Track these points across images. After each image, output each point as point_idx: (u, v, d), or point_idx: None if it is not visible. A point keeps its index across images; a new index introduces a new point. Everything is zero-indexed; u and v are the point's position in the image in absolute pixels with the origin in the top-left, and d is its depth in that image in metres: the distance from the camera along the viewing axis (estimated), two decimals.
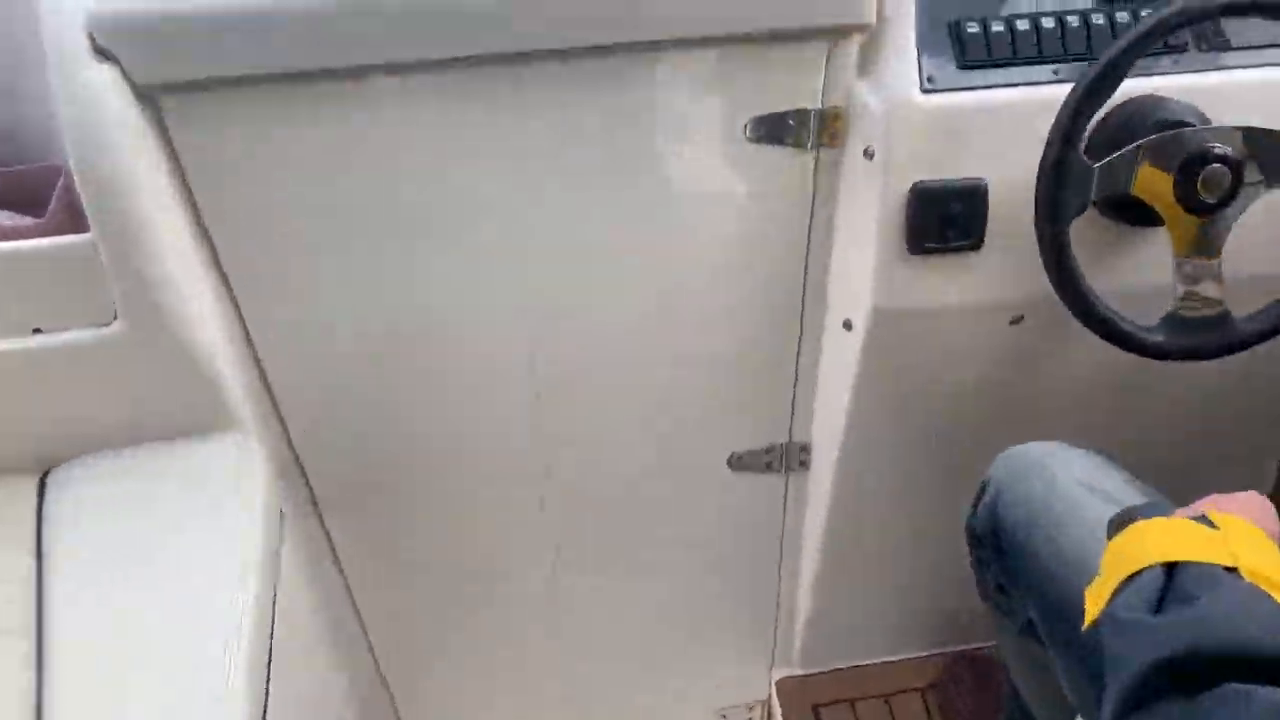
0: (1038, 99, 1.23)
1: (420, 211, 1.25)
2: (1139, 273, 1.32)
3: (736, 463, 1.49)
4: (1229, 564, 0.81)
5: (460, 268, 1.30)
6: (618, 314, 1.36)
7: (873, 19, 1.20)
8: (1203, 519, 0.87)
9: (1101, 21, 1.25)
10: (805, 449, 1.52)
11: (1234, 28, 1.28)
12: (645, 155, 1.26)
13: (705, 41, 1.19)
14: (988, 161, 1.25)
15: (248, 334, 1.28)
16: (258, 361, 1.31)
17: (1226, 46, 1.28)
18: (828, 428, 1.47)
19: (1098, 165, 1.13)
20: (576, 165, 1.25)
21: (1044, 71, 1.24)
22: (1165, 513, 0.90)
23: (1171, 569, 0.83)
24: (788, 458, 1.51)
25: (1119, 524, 0.91)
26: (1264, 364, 1.29)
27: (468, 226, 1.27)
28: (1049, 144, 1.12)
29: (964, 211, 1.26)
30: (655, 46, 1.18)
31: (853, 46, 1.23)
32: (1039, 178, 1.13)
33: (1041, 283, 1.23)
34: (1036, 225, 1.15)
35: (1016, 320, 1.34)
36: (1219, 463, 1.56)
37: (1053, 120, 1.17)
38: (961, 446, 1.47)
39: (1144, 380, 1.41)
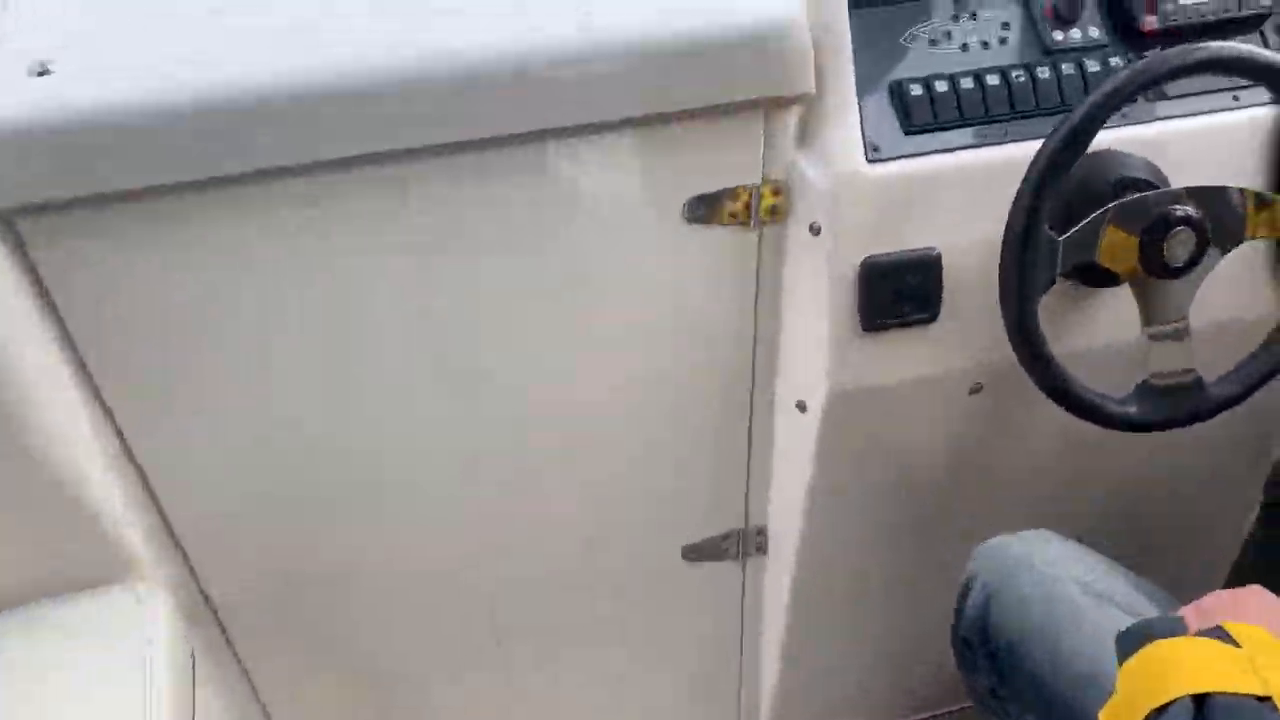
0: (988, 161, 1.17)
1: (321, 323, 1.14)
2: (1099, 333, 1.26)
3: (691, 554, 1.41)
4: (1260, 693, 0.76)
5: (373, 378, 1.19)
6: (555, 408, 1.27)
7: (811, 88, 1.12)
8: (1221, 633, 0.81)
9: (1048, 75, 1.19)
10: (762, 532, 1.43)
11: None
12: (576, 243, 1.17)
13: (634, 122, 1.11)
14: (939, 230, 1.18)
15: (140, 470, 1.16)
16: (154, 499, 1.19)
17: (1163, 95, 1.22)
18: (786, 510, 1.39)
19: (1064, 238, 1.08)
20: (499, 260, 1.16)
21: (994, 131, 1.17)
22: (1179, 629, 0.84)
23: (1200, 701, 0.77)
24: (745, 543, 1.43)
25: (1133, 641, 0.84)
26: (1231, 421, 1.25)
27: (378, 333, 1.17)
28: (1012, 220, 1.06)
29: (918, 284, 1.19)
30: (578, 131, 1.10)
31: (792, 117, 1.15)
32: (1003, 255, 1.07)
33: (1001, 350, 1.16)
34: (1003, 304, 1.09)
35: (976, 390, 1.28)
36: (1186, 520, 1.52)
37: (1004, 182, 1.11)
38: (925, 518, 1.40)
39: (1108, 440, 1.36)
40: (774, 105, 1.12)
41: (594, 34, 1.05)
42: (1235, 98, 1.22)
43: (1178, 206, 1.09)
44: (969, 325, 1.21)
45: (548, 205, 1.14)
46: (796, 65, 1.10)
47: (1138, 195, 1.09)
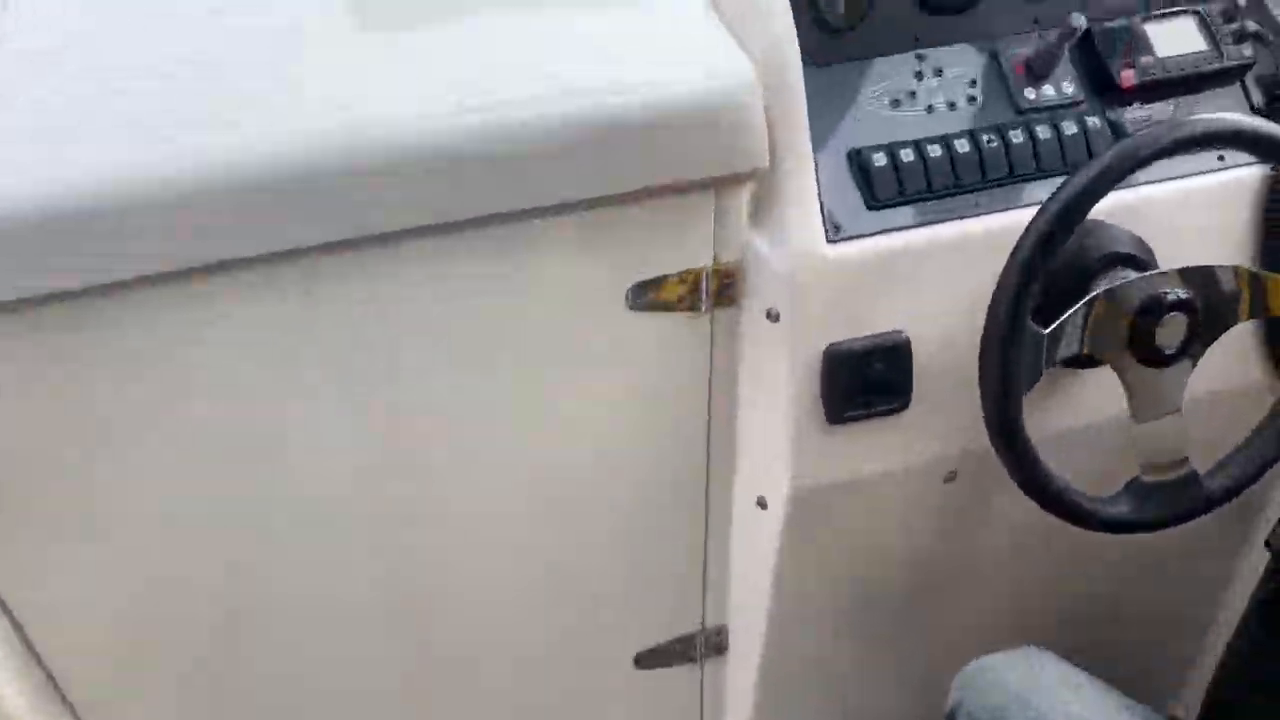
0: (959, 236, 1.07)
1: (217, 443, 1.02)
2: (1082, 413, 1.16)
3: (645, 661, 1.29)
4: None
5: (290, 482, 1.06)
6: (493, 509, 1.14)
7: (765, 162, 1.01)
8: None
9: (1021, 139, 1.09)
10: (721, 631, 1.32)
11: None
12: (512, 336, 1.05)
13: (568, 208, 0.99)
14: (908, 312, 1.07)
15: (16, 623, 1.03)
16: (35, 654, 1.05)
17: None
18: (747, 608, 1.27)
19: (1049, 331, 0.97)
20: (428, 354, 1.04)
21: (964, 204, 1.07)
22: None
23: None
24: (702, 646, 1.32)
25: None
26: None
27: (300, 432, 1.04)
28: (992, 317, 0.95)
29: (886, 371, 1.08)
30: (507, 219, 0.98)
31: (744, 193, 1.04)
32: (983, 352, 0.97)
33: (977, 436, 1.06)
34: (984, 404, 0.98)
35: (950, 478, 1.17)
36: (1166, 610, 1.44)
37: (976, 258, 1.03)
38: (897, 614, 1.29)
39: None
40: (725, 183, 1.02)
41: (525, 114, 0.94)
42: (1220, 158, 1.13)
43: (1169, 290, 1.00)
44: (942, 411, 1.11)
45: (475, 297, 1.02)
46: (749, 139, 0.99)
47: (1126, 280, 0.99)
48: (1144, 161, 0.93)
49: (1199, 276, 1.00)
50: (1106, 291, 0.99)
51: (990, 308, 0.96)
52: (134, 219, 0.89)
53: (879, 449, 1.11)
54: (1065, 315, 0.97)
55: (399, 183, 0.93)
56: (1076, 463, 1.11)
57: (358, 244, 0.95)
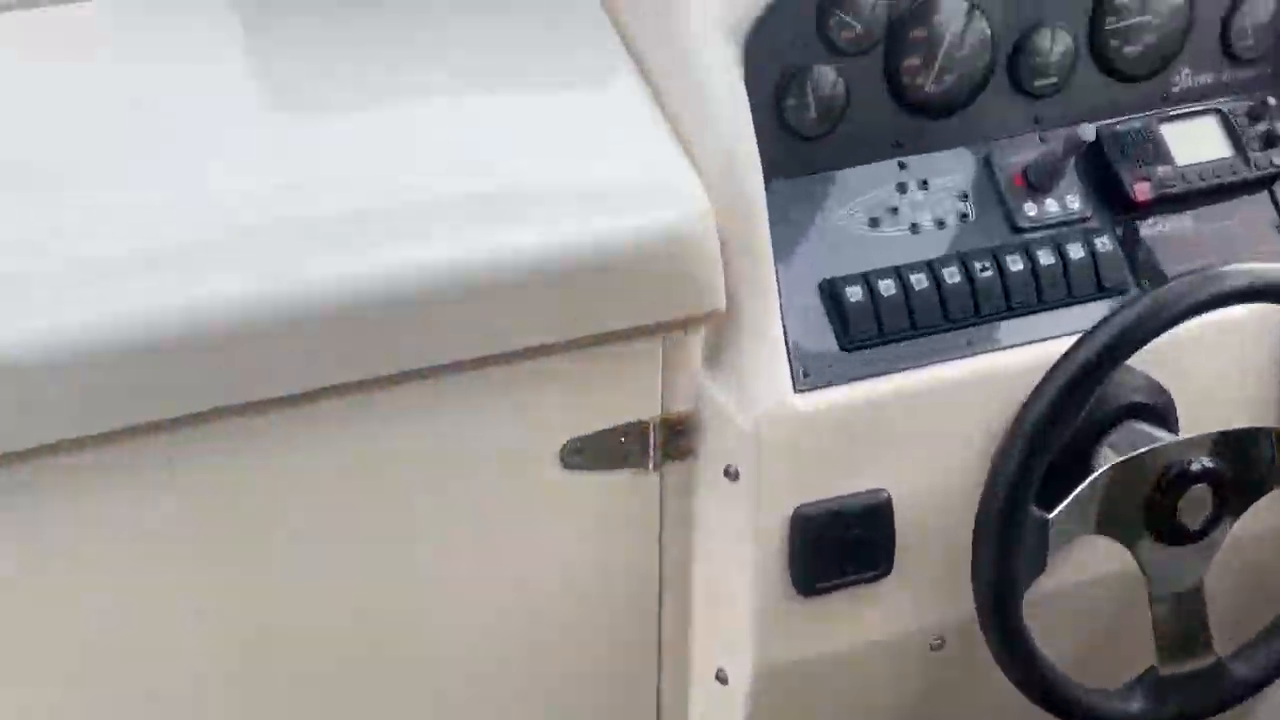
0: (948, 381, 0.92)
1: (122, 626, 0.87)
2: (1082, 566, 1.03)
3: None
4: None
5: (194, 684, 0.91)
6: (420, 692, 0.98)
7: (721, 304, 0.86)
8: None
9: (1020, 266, 0.94)
10: None
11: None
12: (436, 502, 0.90)
13: (491, 360, 0.84)
14: (889, 468, 0.93)
15: None
16: None
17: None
18: None
19: (1054, 516, 0.83)
20: (317, 523, 0.88)
21: (954, 342, 0.92)
22: None
23: None
24: None
25: None
26: None
27: (199, 626, 0.89)
28: (989, 498, 0.81)
29: (865, 535, 0.93)
30: (417, 375, 0.83)
31: (697, 336, 0.90)
32: (977, 539, 0.82)
33: (967, 604, 0.92)
34: (977, 598, 0.84)
35: (938, 646, 1.03)
36: None
37: (967, 405, 0.89)
38: None
39: None
40: (674, 327, 0.87)
41: (444, 257, 0.80)
42: None
43: (1194, 459, 0.85)
44: (930, 577, 0.96)
45: (386, 459, 0.87)
46: (701, 279, 0.85)
47: (1144, 450, 0.84)
48: (1174, 321, 0.78)
49: (1230, 442, 0.86)
50: (1121, 463, 0.84)
51: (986, 487, 0.81)
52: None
53: (855, 621, 0.96)
54: (1073, 494, 0.83)
55: (293, 343, 0.78)
56: (1079, 628, 0.98)
57: (261, 407, 0.81)
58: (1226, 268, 0.79)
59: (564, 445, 0.89)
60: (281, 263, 0.77)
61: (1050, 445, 0.79)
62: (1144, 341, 0.78)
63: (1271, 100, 1.01)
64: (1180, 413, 0.95)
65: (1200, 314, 0.79)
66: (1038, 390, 0.79)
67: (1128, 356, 0.79)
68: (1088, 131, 0.91)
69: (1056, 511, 0.82)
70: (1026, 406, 0.80)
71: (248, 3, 1.01)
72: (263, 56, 0.97)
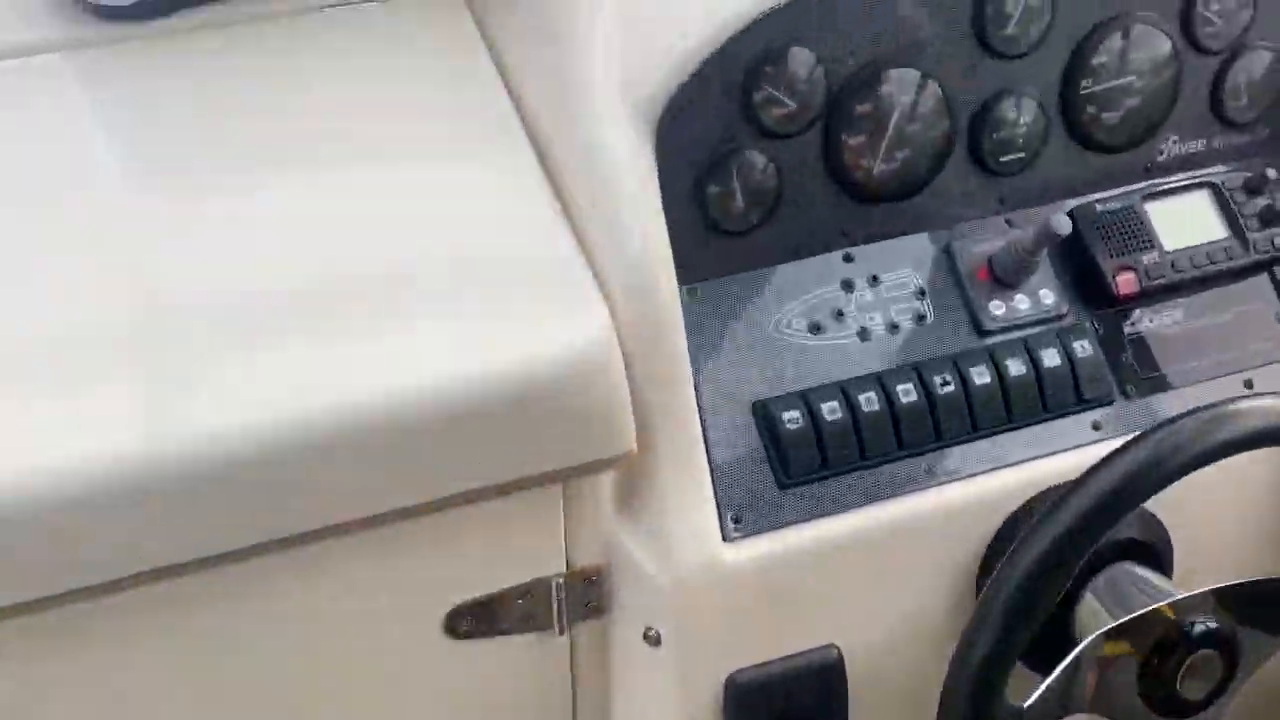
0: (906, 518, 0.78)
1: None
2: None
3: None
4: None
5: None
6: None
7: (631, 445, 0.72)
8: None
9: (987, 379, 0.81)
10: None
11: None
12: (308, 683, 0.76)
13: (355, 525, 0.69)
14: (839, 621, 0.79)
15: None
16: None
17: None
18: None
19: (1029, 706, 0.69)
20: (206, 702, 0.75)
21: (911, 472, 0.78)
22: None
23: None
24: None
25: None
26: None
27: None
28: (953, 687, 0.67)
29: (812, 699, 0.80)
30: (281, 545, 0.68)
31: (605, 480, 0.76)
32: None
33: None
34: None
35: None
36: None
37: (927, 543, 0.77)
38: None
39: None
40: (575, 474, 0.73)
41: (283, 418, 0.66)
42: None
43: (1198, 620, 0.72)
44: None
45: (252, 627, 0.74)
46: (607, 415, 0.70)
47: (1140, 614, 0.70)
48: (1177, 474, 0.65)
49: (1239, 599, 0.72)
50: (1113, 630, 0.71)
51: (950, 671, 0.67)
52: None
53: None
54: (1048, 679, 0.68)
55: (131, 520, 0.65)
56: None
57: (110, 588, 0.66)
58: (1238, 406, 0.66)
59: (449, 612, 0.75)
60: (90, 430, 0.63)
61: (1029, 625, 0.65)
62: (1139, 502, 0.65)
63: (1271, 172, 0.88)
64: (1175, 547, 0.82)
65: (1212, 461, 0.66)
66: (1010, 559, 0.66)
67: (1121, 519, 0.66)
68: (1062, 222, 0.78)
69: (1031, 701, 0.68)
70: (996, 581, 0.66)
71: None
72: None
